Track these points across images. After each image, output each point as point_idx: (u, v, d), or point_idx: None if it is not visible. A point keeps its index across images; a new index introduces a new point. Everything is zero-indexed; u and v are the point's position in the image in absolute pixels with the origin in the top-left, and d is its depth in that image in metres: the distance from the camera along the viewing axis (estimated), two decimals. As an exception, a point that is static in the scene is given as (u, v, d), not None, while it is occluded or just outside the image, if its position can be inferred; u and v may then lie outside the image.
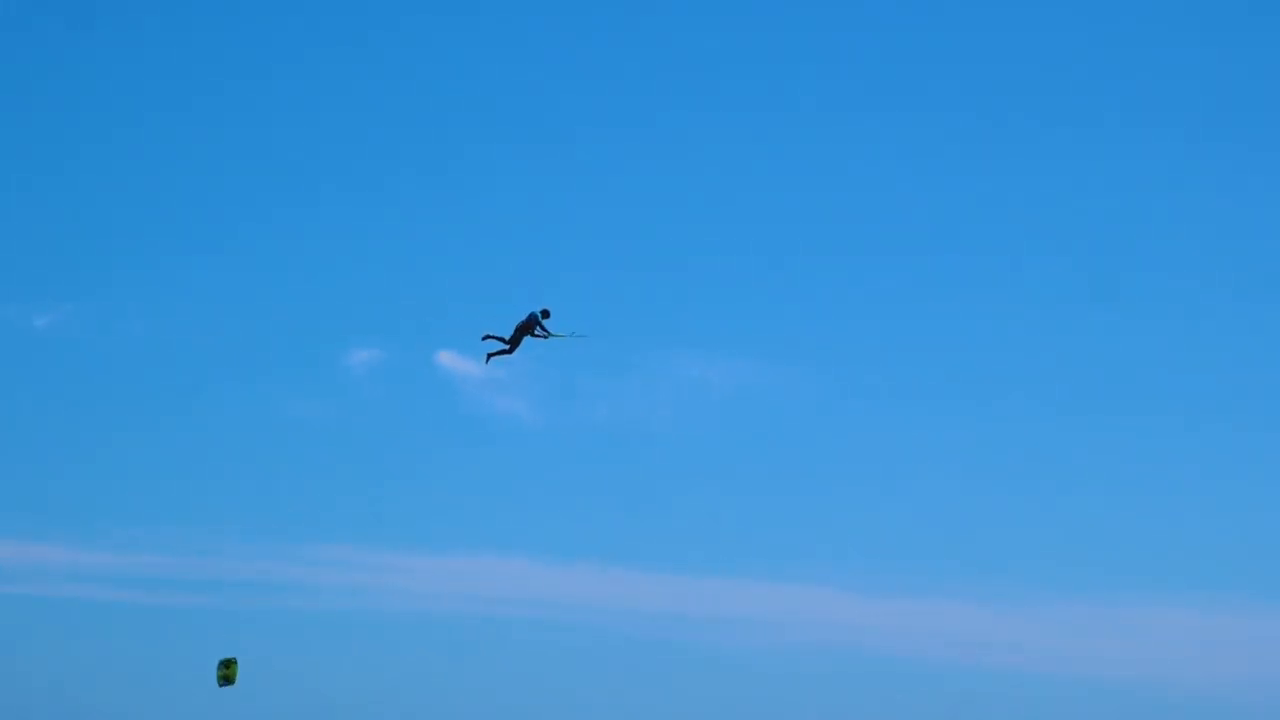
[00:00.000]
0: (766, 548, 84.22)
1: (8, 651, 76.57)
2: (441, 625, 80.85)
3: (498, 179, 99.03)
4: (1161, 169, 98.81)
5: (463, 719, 75.43)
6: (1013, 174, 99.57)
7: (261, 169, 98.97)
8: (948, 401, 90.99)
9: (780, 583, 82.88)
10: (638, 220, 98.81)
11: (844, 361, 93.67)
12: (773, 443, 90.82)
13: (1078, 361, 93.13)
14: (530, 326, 50.67)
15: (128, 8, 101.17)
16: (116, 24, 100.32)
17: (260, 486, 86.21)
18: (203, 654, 71.02)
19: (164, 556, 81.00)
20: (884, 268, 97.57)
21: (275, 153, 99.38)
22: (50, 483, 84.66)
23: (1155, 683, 78.40)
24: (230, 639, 70.99)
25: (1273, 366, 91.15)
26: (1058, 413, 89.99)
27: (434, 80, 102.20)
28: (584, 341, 50.99)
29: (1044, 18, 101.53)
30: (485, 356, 51.05)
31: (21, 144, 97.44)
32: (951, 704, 76.68)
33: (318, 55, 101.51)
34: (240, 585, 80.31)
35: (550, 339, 50.79)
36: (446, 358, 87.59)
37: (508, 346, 50.82)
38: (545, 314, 50.77)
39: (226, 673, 48.22)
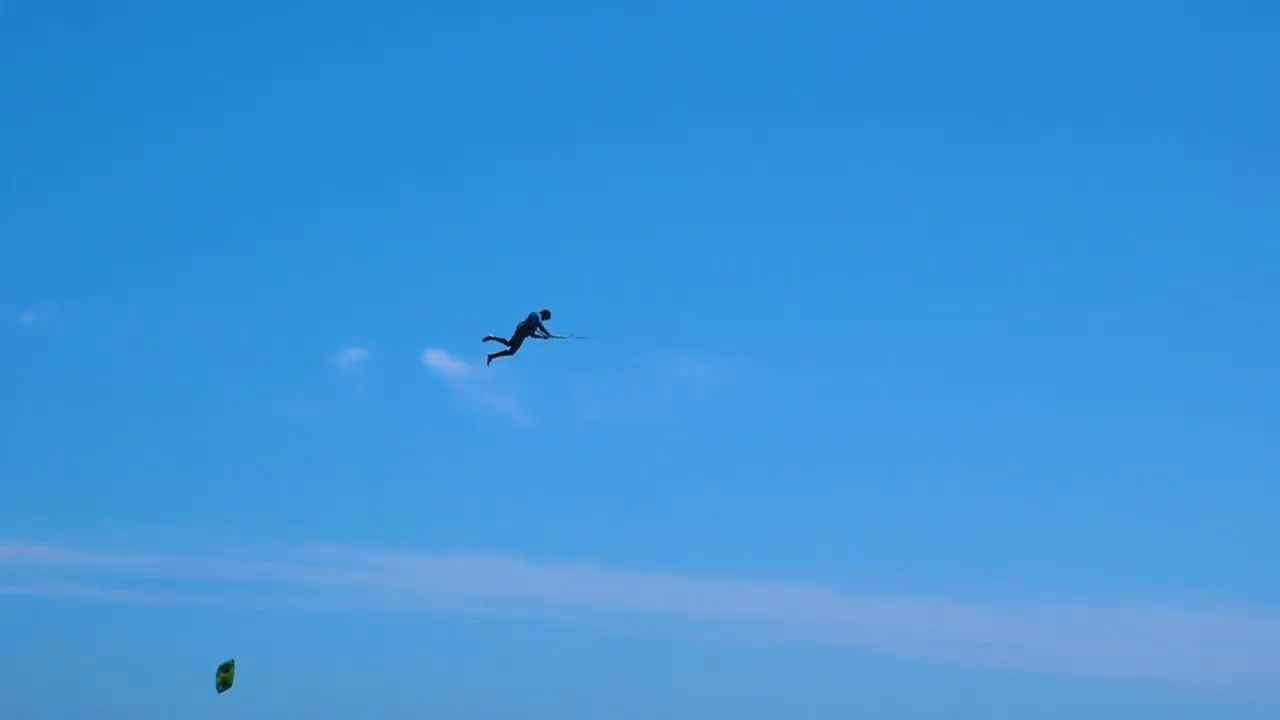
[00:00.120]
0: (763, 548, 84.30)
1: (2, 652, 76.72)
2: (435, 625, 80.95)
3: (489, 178, 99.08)
4: (1161, 169, 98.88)
5: (456, 718, 75.54)
6: (1013, 174, 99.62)
7: (250, 168, 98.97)
8: (945, 401, 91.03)
9: (777, 583, 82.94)
10: (631, 220, 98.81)
11: (840, 361, 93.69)
12: (769, 442, 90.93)
13: (1076, 361, 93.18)
14: (531, 327, 50.56)
15: (120, 7, 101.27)
16: (110, 23, 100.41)
17: (253, 486, 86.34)
18: (196, 653, 71.33)
19: (157, 556, 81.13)
20: (882, 267, 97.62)
21: (264, 152, 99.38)
22: (40, 483, 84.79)
23: (1154, 683, 78.48)
24: (225, 638, 71.24)
25: (1273, 366, 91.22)
26: (1056, 412, 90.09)
27: (424, 79, 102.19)
28: (575, 341, 50.90)
29: (1044, 18, 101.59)
30: (487, 358, 50.98)
31: (9, 143, 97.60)
32: (950, 704, 76.76)
33: (308, 54, 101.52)
34: (234, 585, 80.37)
35: (550, 340, 50.71)
36: (435, 357, 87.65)
37: (509, 348, 50.75)
38: (545, 315, 50.66)
39: (225, 676, 48.16)
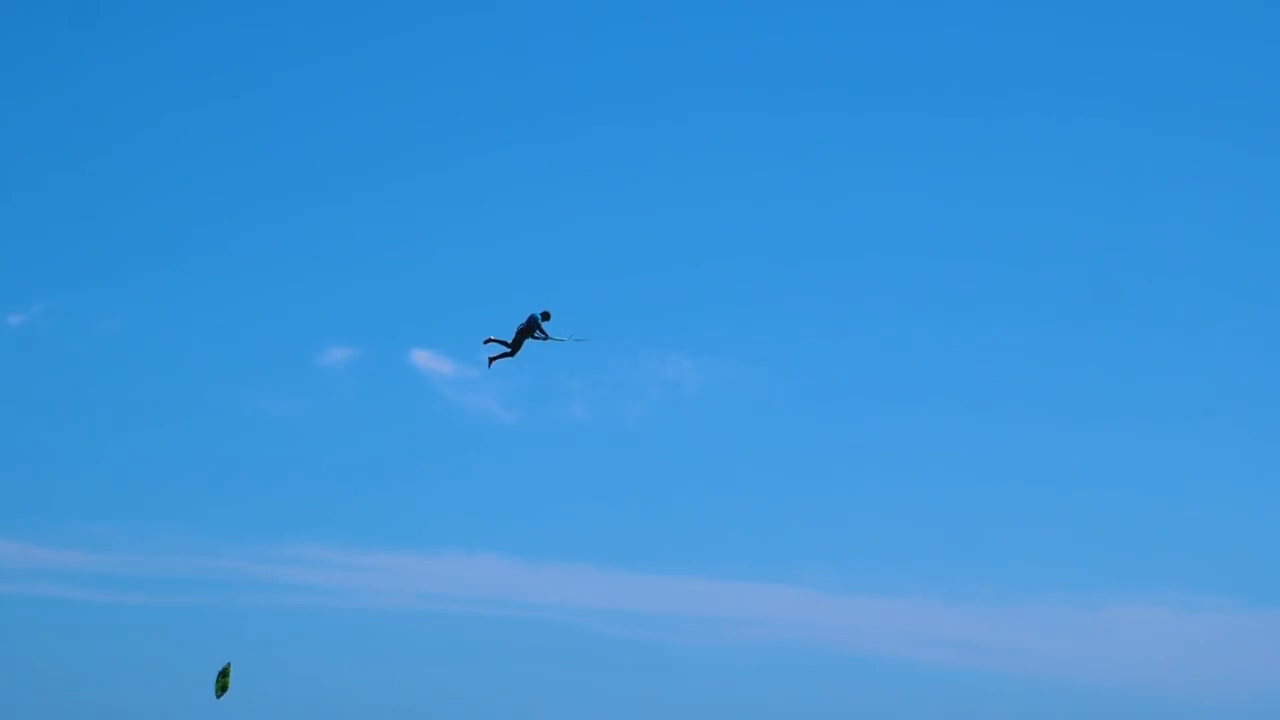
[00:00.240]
0: (751, 548, 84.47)
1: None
2: (423, 624, 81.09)
3: (476, 179, 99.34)
4: (1163, 171, 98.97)
5: (445, 717, 75.47)
6: (1013, 174, 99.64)
7: (237, 170, 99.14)
8: (932, 402, 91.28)
9: (763, 583, 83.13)
10: (619, 220, 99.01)
11: (827, 362, 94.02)
12: (757, 442, 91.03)
13: (1066, 362, 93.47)
14: (531, 329, 50.36)
15: (118, 7, 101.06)
16: (107, 26, 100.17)
17: (240, 485, 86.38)
18: (185, 652, 71.29)
19: (145, 556, 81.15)
20: (871, 268, 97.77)
21: (251, 154, 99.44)
22: (29, 483, 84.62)
23: (1140, 684, 78.70)
24: (213, 638, 71.29)
25: (1273, 367, 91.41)
26: (1042, 413, 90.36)
27: (411, 82, 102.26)
28: (574, 343, 50.73)
29: (1043, 18, 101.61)
30: (488, 360, 50.81)
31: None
32: (937, 705, 76.88)
33: (295, 58, 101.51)
34: (221, 584, 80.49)
35: (550, 341, 50.52)
36: (422, 357, 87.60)
37: (510, 350, 50.57)
38: (545, 316, 50.44)
39: (224, 681, 48.03)
